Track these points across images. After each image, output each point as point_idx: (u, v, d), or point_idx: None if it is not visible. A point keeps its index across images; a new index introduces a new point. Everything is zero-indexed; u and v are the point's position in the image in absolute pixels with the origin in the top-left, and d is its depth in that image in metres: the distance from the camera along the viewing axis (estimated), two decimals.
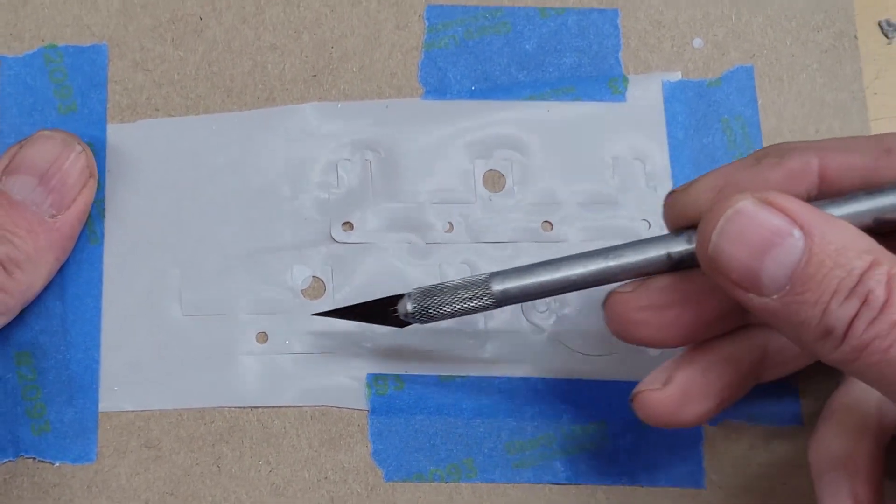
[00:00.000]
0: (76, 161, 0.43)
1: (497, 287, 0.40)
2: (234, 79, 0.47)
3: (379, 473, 0.44)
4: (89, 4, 0.47)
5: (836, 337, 0.33)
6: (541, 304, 0.46)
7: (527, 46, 0.48)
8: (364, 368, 0.45)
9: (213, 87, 0.47)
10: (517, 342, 0.46)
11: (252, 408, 0.44)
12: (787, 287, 0.33)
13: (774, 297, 0.33)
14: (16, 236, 0.41)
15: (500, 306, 0.40)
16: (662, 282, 0.39)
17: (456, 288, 0.41)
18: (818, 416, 0.45)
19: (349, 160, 0.46)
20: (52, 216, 0.42)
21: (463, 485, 0.44)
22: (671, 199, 0.40)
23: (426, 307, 0.41)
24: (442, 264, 0.46)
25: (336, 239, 0.46)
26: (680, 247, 0.38)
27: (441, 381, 0.45)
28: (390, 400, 0.45)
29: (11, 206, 0.42)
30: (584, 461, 0.45)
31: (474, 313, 0.41)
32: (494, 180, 0.47)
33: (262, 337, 0.45)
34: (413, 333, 0.45)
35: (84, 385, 0.44)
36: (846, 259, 0.33)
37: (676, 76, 0.49)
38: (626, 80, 0.48)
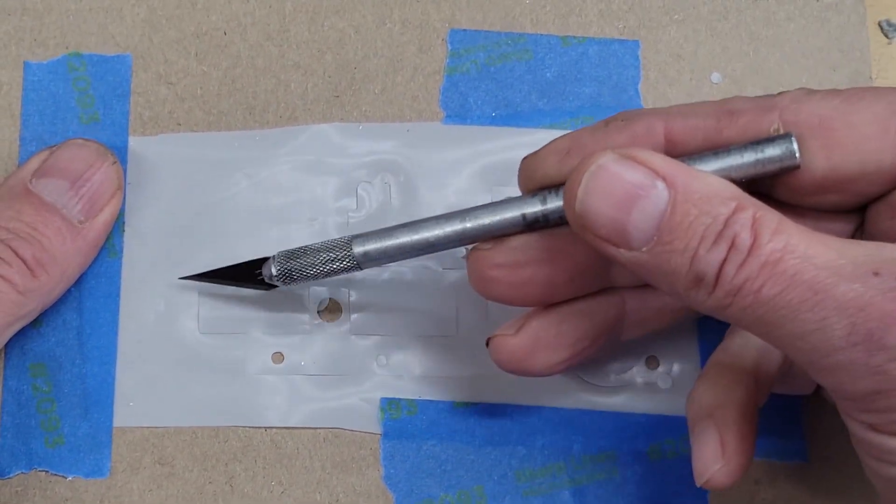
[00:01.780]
0: (108, 171, 0.43)
1: (358, 249, 0.40)
2: (257, 96, 0.47)
3: (390, 498, 0.44)
4: (115, 14, 0.47)
5: (708, 283, 0.33)
6: None
7: (548, 74, 0.49)
8: (378, 392, 0.45)
9: (235, 103, 0.47)
10: None
11: (266, 428, 0.44)
12: (655, 238, 0.33)
13: (644, 249, 0.34)
14: (44, 237, 0.41)
15: (362, 268, 0.41)
16: (519, 241, 0.40)
17: (319, 250, 0.41)
18: (824, 453, 0.46)
19: (369, 182, 0.47)
20: (81, 222, 0.42)
21: None
22: (523, 164, 0.41)
23: (290, 269, 0.41)
24: (458, 289, 0.46)
25: None
26: (533, 207, 0.39)
27: (454, 408, 0.45)
28: (403, 424, 0.45)
29: (42, 206, 0.42)
30: (593, 492, 0.45)
31: (338, 275, 0.42)
32: None
33: (278, 357, 0.45)
34: (427, 356, 0.45)
35: (99, 399, 0.44)
36: (711, 206, 0.33)
37: None
38: None
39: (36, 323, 0.43)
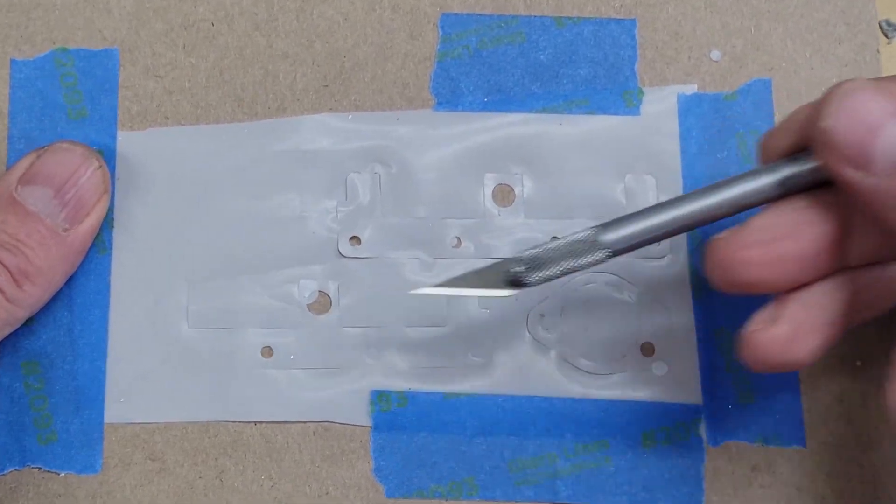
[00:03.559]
0: (93, 176, 0.43)
1: (610, 236, 0.39)
2: (245, 88, 0.47)
3: (380, 490, 0.44)
4: (101, 8, 0.47)
5: None
6: (545, 319, 0.46)
7: (541, 57, 0.48)
8: (368, 385, 0.45)
9: (223, 95, 0.47)
10: (522, 360, 0.46)
11: (255, 422, 0.44)
12: None
13: (885, 176, 0.33)
14: (28, 248, 0.41)
15: (616, 255, 0.39)
16: (762, 219, 0.38)
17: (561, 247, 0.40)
18: (823, 439, 0.45)
19: (358, 173, 0.46)
20: (65, 230, 0.42)
21: (464, 502, 0.45)
22: (763, 140, 0.40)
23: (537, 258, 0.40)
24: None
25: (343, 253, 0.46)
26: (786, 169, 0.38)
27: (445, 399, 0.45)
28: (393, 416, 0.45)
29: (27, 216, 0.42)
30: (585, 480, 0.45)
31: (585, 268, 0.40)
32: (504, 195, 0.47)
33: (268, 352, 0.45)
34: (418, 347, 0.45)
35: (90, 396, 0.44)
36: None
37: (692, 89, 0.48)
38: (641, 92, 0.48)
39: (28, 321, 0.44)
